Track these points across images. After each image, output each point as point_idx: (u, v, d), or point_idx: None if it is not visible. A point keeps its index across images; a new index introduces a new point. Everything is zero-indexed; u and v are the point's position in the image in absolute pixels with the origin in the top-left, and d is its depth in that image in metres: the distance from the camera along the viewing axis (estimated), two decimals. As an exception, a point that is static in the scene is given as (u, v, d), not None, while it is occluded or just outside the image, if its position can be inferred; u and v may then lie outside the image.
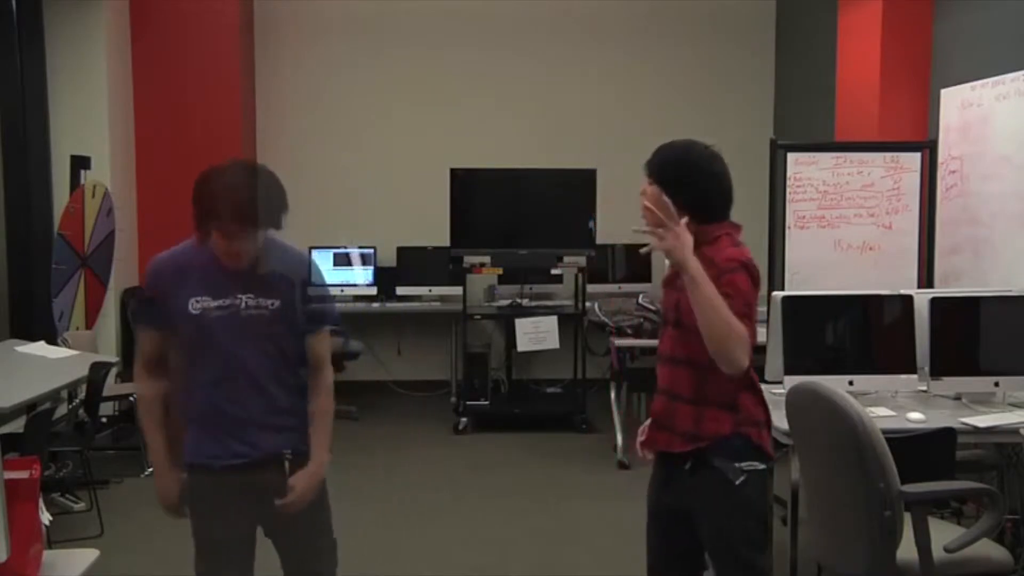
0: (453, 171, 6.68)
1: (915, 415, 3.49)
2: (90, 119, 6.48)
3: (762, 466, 2.56)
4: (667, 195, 2.54)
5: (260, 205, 2.46)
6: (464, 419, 6.65)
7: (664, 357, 2.68)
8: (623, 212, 7.38)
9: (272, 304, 2.57)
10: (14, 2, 6.08)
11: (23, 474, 2.65)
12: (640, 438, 2.78)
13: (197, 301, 2.51)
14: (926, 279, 5.44)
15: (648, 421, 2.76)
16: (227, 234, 2.47)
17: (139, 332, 2.59)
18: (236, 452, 2.58)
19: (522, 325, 6.52)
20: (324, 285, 2.84)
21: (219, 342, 2.54)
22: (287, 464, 2.64)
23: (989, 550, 2.94)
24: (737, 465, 2.53)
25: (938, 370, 3.72)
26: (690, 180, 2.57)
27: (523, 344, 6.56)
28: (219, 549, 2.65)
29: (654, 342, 5.57)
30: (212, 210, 2.45)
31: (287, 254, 2.65)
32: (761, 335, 4.14)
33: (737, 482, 2.52)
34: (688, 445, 2.57)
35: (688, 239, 2.46)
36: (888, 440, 2.75)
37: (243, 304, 2.55)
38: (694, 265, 2.43)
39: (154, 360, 2.62)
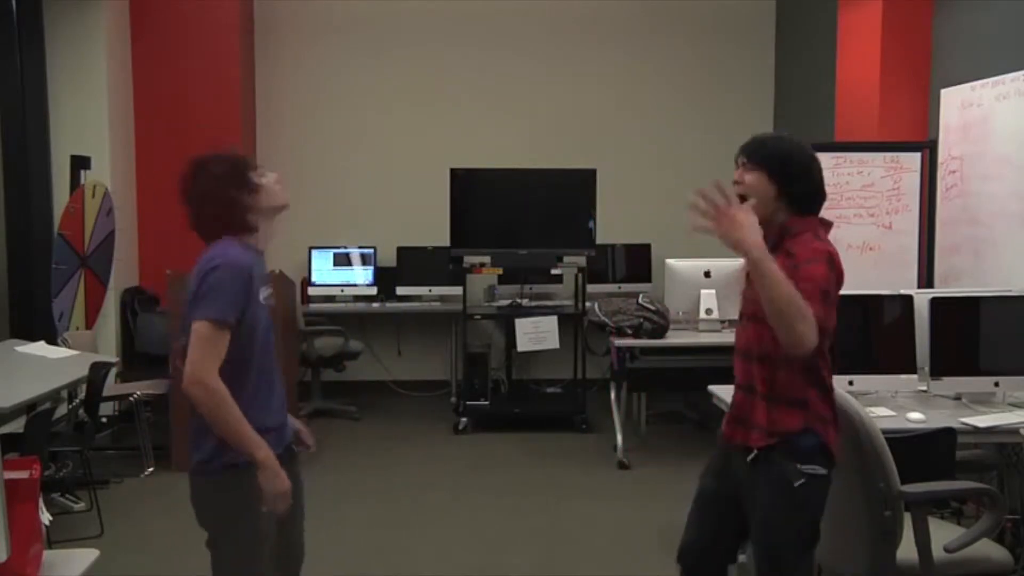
0: (453, 171, 6.68)
1: (915, 415, 3.49)
2: (90, 119, 6.48)
3: (823, 471, 2.54)
4: (774, 184, 2.55)
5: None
6: (464, 419, 6.65)
7: (740, 352, 2.67)
8: (623, 212, 7.44)
9: (271, 292, 2.72)
10: (14, 2, 6.08)
11: (23, 474, 2.66)
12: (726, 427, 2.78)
13: (263, 292, 2.60)
14: (926, 279, 5.44)
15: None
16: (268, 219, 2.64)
17: (221, 332, 2.45)
18: (280, 440, 2.67)
19: (522, 325, 6.52)
20: None
21: (269, 331, 2.64)
22: (294, 448, 2.79)
23: (989, 550, 2.95)
24: (799, 467, 2.51)
25: (938, 370, 3.72)
26: (801, 171, 2.57)
27: (523, 344, 6.56)
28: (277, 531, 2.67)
29: (654, 342, 5.68)
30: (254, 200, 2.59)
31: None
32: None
33: (796, 484, 2.51)
34: (764, 439, 2.56)
35: (749, 220, 2.41)
36: (888, 440, 2.75)
37: (268, 293, 2.68)
38: (753, 242, 2.38)
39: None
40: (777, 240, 2.55)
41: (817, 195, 2.60)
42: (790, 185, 2.55)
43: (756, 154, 2.59)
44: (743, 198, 2.55)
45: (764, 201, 2.54)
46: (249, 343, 2.54)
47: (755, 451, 2.57)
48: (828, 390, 2.59)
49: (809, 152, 2.60)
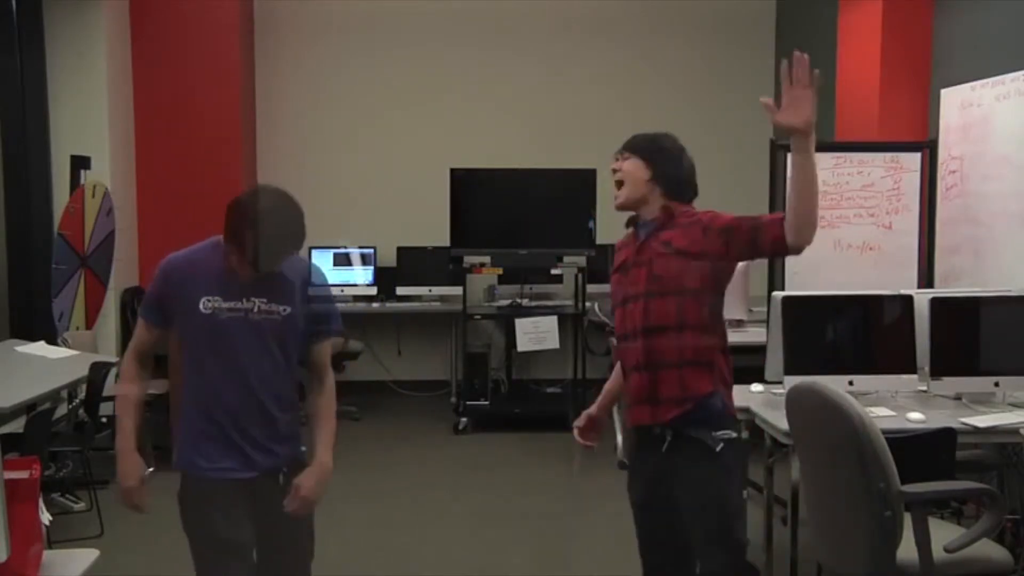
0: (453, 171, 6.68)
1: (915, 415, 3.49)
2: (90, 119, 6.47)
3: (734, 434, 2.66)
4: (648, 167, 2.74)
5: (281, 237, 2.50)
6: (464, 419, 6.66)
7: (635, 332, 2.72)
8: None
9: (283, 310, 2.59)
10: (14, 2, 6.08)
11: (23, 474, 2.65)
12: (581, 438, 3.00)
13: (209, 300, 2.53)
14: (926, 279, 5.44)
15: (584, 415, 2.99)
16: (248, 260, 2.49)
17: (139, 322, 2.66)
18: (230, 466, 2.60)
19: (522, 325, 6.52)
20: (328, 287, 2.87)
21: (227, 344, 2.54)
22: (281, 478, 2.67)
23: (989, 550, 2.94)
24: (714, 434, 2.63)
25: (938, 370, 3.71)
26: (672, 156, 2.79)
27: (523, 344, 6.56)
28: (221, 550, 2.61)
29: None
30: (241, 235, 2.46)
31: (297, 261, 2.66)
32: (761, 335, 4.16)
33: (717, 449, 2.62)
34: (675, 410, 2.65)
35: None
36: (888, 440, 2.75)
37: (255, 308, 2.56)
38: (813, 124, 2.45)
39: (144, 351, 2.68)
40: (662, 222, 2.71)
41: (689, 185, 2.79)
42: (663, 166, 2.75)
43: (630, 144, 2.82)
44: (620, 184, 2.76)
45: (639, 183, 2.75)
46: (183, 342, 2.60)
47: (667, 436, 2.66)
48: (728, 352, 2.74)
49: (680, 145, 2.83)
